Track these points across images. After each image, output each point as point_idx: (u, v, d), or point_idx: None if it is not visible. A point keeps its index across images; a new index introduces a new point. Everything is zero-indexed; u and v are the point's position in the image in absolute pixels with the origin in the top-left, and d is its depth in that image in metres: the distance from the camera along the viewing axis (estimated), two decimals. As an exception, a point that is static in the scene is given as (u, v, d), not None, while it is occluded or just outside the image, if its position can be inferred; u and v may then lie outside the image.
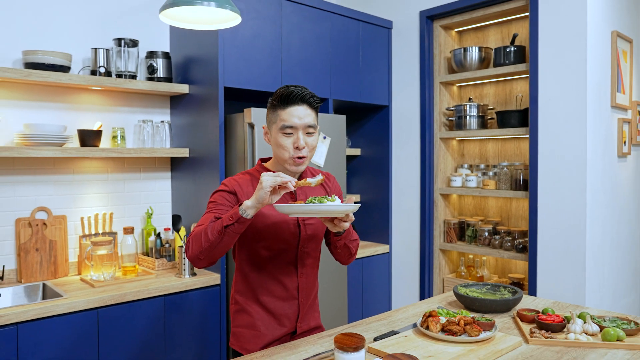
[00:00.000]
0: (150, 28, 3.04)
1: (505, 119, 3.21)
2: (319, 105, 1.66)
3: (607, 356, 1.48)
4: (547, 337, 1.60)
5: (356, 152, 3.87)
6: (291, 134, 1.59)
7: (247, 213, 1.42)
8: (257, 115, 2.66)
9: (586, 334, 1.63)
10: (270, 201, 1.42)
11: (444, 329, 1.59)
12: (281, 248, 1.64)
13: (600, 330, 1.65)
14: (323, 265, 2.82)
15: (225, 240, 1.44)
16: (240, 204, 1.43)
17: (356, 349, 1.37)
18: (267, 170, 1.69)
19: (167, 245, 2.93)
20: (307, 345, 1.60)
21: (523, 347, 1.57)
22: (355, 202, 1.43)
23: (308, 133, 1.61)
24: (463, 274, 3.50)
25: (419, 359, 1.40)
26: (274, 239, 1.62)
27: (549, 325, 1.66)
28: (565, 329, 1.66)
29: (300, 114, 1.59)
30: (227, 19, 1.95)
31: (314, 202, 1.45)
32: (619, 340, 1.57)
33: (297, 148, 1.59)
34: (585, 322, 1.68)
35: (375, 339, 1.61)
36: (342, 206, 1.44)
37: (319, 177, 1.52)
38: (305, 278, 1.71)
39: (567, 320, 1.70)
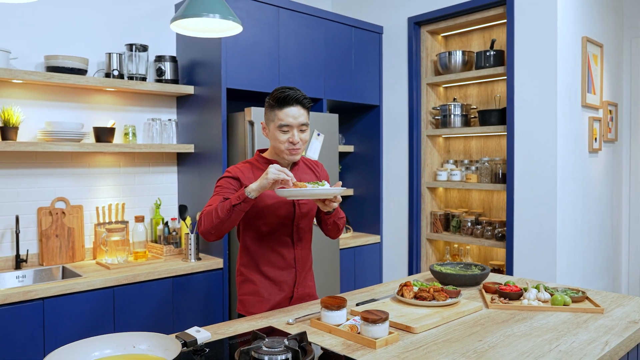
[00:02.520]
0: (158, 34, 3.31)
1: (486, 117, 3.47)
2: (311, 105, 1.94)
3: (552, 317, 1.75)
4: (505, 303, 1.87)
5: (349, 148, 4.13)
6: (287, 131, 1.86)
7: (252, 194, 1.71)
8: (256, 113, 2.93)
9: (539, 300, 1.90)
10: (270, 188, 1.72)
11: (416, 296, 1.86)
12: (279, 224, 1.93)
13: (551, 297, 1.91)
14: (316, 256, 3.10)
15: (232, 217, 1.72)
16: (246, 187, 1.72)
17: (339, 307, 1.64)
18: (266, 159, 1.97)
19: (174, 233, 3.20)
20: (299, 309, 1.87)
21: (483, 310, 1.83)
22: (342, 187, 1.75)
23: (301, 130, 1.88)
24: (448, 261, 3.76)
25: (392, 318, 1.67)
26: (272, 216, 1.91)
27: (508, 294, 1.93)
28: (522, 297, 1.93)
29: (295, 114, 1.85)
30: (230, 28, 2.20)
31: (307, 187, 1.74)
32: (565, 304, 1.84)
33: (292, 143, 1.87)
34: (539, 291, 1.94)
35: (357, 304, 1.88)
36: (331, 189, 1.76)
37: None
38: (300, 250, 2.00)
39: (525, 290, 1.97)
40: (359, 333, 1.54)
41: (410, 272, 3.85)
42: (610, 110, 3.61)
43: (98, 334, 2.52)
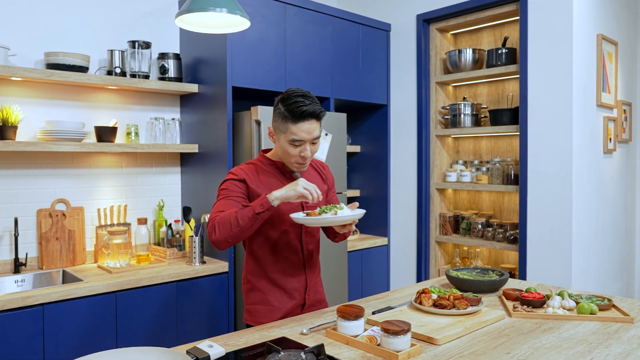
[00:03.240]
0: (161, 31, 3.22)
1: (498, 117, 3.38)
2: (324, 116, 1.82)
3: (580, 327, 1.66)
4: (528, 311, 1.78)
5: (356, 149, 4.04)
6: (299, 145, 1.75)
7: (275, 203, 1.64)
8: (263, 113, 2.84)
9: (563, 308, 1.81)
10: (293, 200, 1.66)
11: (435, 304, 1.77)
12: (287, 229, 1.85)
13: (577, 306, 1.82)
14: (324, 260, 3.01)
15: (254, 225, 1.65)
16: (268, 194, 1.65)
17: (356, 317, 1.55)
18: (270, 160, 1.89)
19: (177, 236, 3.11)
20: (312, 318, 1.78)
21: (506, 319, 1.74)
22: (358, 208, 1.75)
23: (313, 143, 1.78)
24: (458, 264, 3.68)
25: (412, 328, 1.58)
26: (281, 221, 1.83)
27: (531, 302, 1.84)
28: (545, 305, 1.84)
29: (309, 129, 1.73)
30: (237, 23, 2.11)
31: (325, 212, 1.69)
32: (592, 313, 1.75)
33: (302, 157, 1.78)
34: (563, 299, 1.85)
35: (374, 313, 1.79)
36: (351, 216, 1.69)
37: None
38: (309, 254, 1.92)
39: (548, 297, 1.88)
40: (378, 345, 1.46)
41: (419, 275, 3.76)
42: (624, 110, 3.52)
43: (100, 341, 2.45)
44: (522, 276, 3.16)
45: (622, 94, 3.52)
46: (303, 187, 1.63)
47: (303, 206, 1.88)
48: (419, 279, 3.76)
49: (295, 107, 1.70)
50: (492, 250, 3.66)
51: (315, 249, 1.97)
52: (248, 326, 1.89)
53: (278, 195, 1.64)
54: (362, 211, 1.73)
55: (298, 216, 1.69)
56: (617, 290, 3.52)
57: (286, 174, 1.87)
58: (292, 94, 1.74)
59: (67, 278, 2.71)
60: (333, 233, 1.95)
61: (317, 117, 1.75)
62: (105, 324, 2.47)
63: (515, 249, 3.25)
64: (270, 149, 1.94)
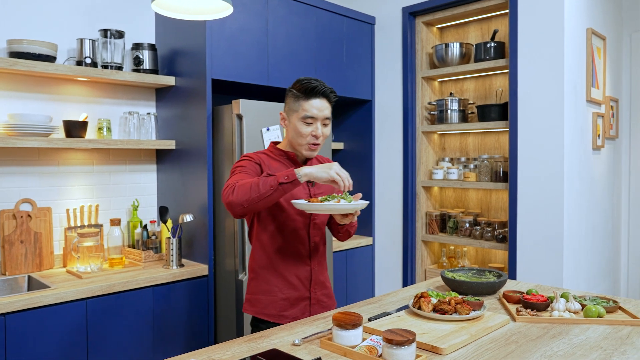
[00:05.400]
0: (136, 19, 3.03)
1: (486, 112, 3.30)
2: (336, 100, 1.84)
3: (589, 331, 1.56)
4: (533, 315, 1.68)
5: (339, 146, 3.91)
6: (311, 123, 1.77)
7: (302, 179, 1.59)
8: (245, 106, 2.68)
9: (569, 311, 1.71)
10: (321, 182, 1.61)
11: (435, 309, 1.65)
12: (296, 218, 1.81)
13: (582, 308, 1.73)
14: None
15: (274, 195, 1.58)
16: (296, 169, 1.61)
17: (354, 326, 1.42)
18: (282, 151, 1.87)
19: (153, 237, 2.93)
20: (304, 326, 1.64)
21: (511, 324, 1.64)
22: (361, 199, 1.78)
23: (324, 124, 1.80)
24: (445, 264, 3.58)
25: (414, 336, 1.46)
26: (292, 210, 1.80)
27: (535, 304, 1.74)
28: (549, 308, 1.74)
29: (320, 106, 1.77)
30: (219, 9, 1.96)
31: (328, 200, 1.63)
32: (599, 316, 1.66)
33: (314, 136, 1.79)
34: (567, 301, 1.76)
35: (370, 319, 1.66)
36: (353, 205, 1.62)
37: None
38: (315, 246, 1.88)
39: (551, 299, 1.78)
40: (379, 356, 1.33)
41: (405, 276, 3.65)
42: (612, 106, 3.48)
43: (69, 354, 2.25)
44: (512, 275, 3.08)
45: (609, 89, 3.48)
46: (336, 172, 1.59)
47: (311, 195, 1.86)
48: (404, 280, 3.66)
49: (307, 85, 1.76)
50: (479, 249, 3.58)
51: (322, 242, 1.92)
52: (255, 318, 1.85)
53: (307, 172, 1.59)
54: (365, 202, 1.68)
55: (300, 202, 1.65)
56: (605, 289, 3.48)
57: (297, 164, 1.86)
58: (303, 78, 1.81)
59: (33, 284, 2.51)
60: (337, 228, 1.92)
61: (328, 97, 1.80)
62: (75, 335, 2.28)
63: (504, 248, 3.17)
64: (279, 142, 1.95)
